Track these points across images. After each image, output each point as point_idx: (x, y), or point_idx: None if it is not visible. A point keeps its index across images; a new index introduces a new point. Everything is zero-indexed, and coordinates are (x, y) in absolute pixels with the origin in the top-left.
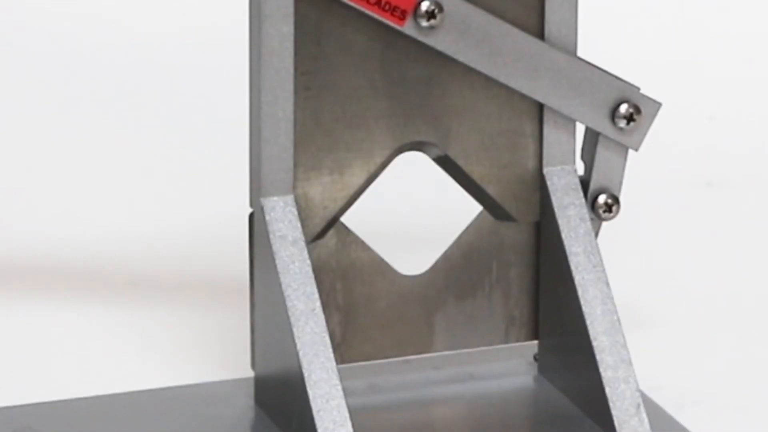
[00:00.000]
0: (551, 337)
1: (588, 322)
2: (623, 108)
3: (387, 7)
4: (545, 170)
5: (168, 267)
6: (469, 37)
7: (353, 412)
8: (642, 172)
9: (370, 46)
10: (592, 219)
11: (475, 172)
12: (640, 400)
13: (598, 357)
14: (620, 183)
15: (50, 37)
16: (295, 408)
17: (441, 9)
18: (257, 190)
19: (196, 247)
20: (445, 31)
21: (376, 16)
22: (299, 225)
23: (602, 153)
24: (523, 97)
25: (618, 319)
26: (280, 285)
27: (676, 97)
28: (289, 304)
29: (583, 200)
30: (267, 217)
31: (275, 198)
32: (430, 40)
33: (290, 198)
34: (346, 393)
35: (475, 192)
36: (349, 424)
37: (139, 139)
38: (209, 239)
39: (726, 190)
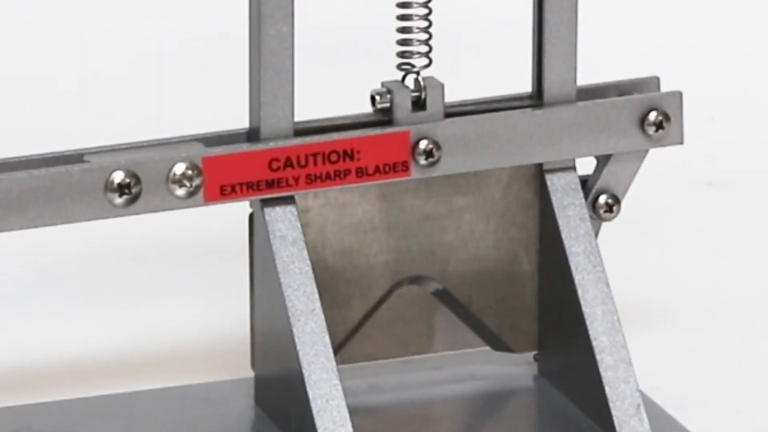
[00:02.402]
0: (551, 337)
1: (588, 322)
2: (652, 116)
3: (387, 168)
4: (545, 170)
5: (168, 267)
6: (473, 146)
7: (353, 412)
8: (642, 172)
9: (369, 185)
10: (592, 218)
11: (473, 305)
12: (640, 400)
13: (598, 357)
14: (629, 186)
15: (53, 31)
16: (295, 408)
17: (438, 146)
18: None
19: (197, 247)
20: (449, 155)
21: (383, 182)
22: (299, 225)
23: (620, 155)
24: (521, 229)
25: (618, 319)
26: (280, 285)
27: None
28: (289, 304)
29: (583, 200)
30: (267, 217)
31: None
32: (438, 171)
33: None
34: (346, 393)
35: (473, 324)
36: (349, 424)
37: (140, 138)
38: (209, 239)
39: (726, 190)
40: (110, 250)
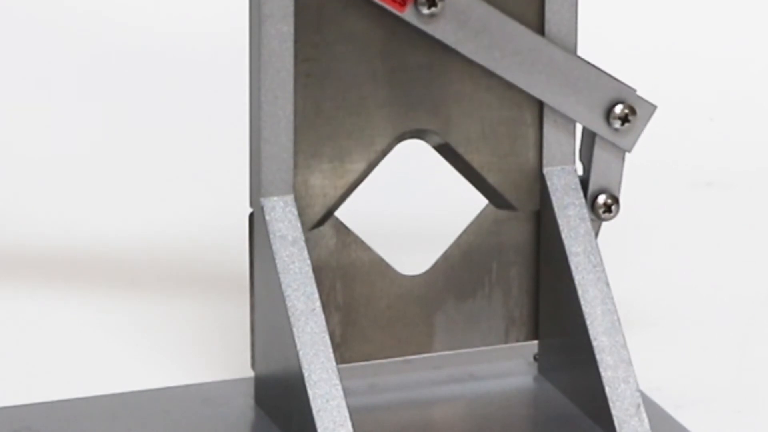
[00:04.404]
0: (551, 337)
1: (588, 322)
2: (618, 108)
3: None
4: (545, 170)
5: (168, 267)
6: (469, 28)
7: (353, 412)
8: (642, 172)
9: (371, 34)
10: (592, 219)
11: (476, 161)
12: (640, 400)
13: (598, 357)
14: (619, 183)
15: (50, 34)
16: (295, 408)
17: None
18: (257, 190)
19: (197, 247)
20: (445, 20)
21: (377, 1)
22: (299, 225)
23: (600, 153)
24: (523, 89)
25: (618, 319)
26: (280, 285)
27: (676, 97)
28: (289, 304)
29: (583, 200)
30: (267, 217)
31: (275, 198)
32: (430, 28)
33: (290, 198)
34: (346, 393)
35: (476, 180)
36: (349, 424)
37: (140, 138)
38: (209, 239)
39: (726, 190)
40: (110, 249)
